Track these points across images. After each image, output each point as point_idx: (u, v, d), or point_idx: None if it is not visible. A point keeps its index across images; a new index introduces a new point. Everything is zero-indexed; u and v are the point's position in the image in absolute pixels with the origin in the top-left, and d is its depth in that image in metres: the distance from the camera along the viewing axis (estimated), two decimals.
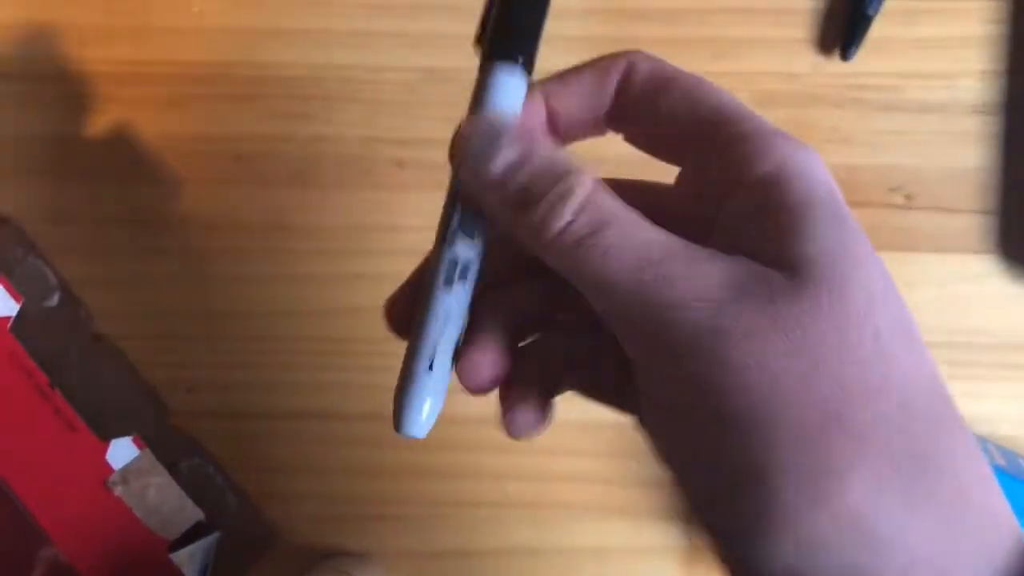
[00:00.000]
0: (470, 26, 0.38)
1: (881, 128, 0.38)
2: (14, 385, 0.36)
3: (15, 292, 0.36)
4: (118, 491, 0.36)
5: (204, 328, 0.38)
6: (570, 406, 0.38)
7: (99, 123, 0.38)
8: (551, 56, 0.37)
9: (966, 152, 0.38)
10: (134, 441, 0.37)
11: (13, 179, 0.38)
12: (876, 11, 0.37)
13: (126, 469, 0.36)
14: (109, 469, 0.36)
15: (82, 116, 0.38)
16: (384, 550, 0.39)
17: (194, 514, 0.37)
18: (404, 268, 0.39)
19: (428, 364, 0.24)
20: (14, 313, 0.36)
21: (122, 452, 0.36)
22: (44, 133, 0.38)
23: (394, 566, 0.39)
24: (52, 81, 0.38)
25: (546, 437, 0.39)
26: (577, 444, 0.39)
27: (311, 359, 0.39)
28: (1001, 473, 0.32)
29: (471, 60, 0.39)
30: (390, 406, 0.40)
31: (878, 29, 0.37)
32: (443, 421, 0.39)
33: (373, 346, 0.39)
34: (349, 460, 0.39)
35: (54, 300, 0.37)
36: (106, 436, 0.36)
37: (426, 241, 0.38)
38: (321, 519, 0.39)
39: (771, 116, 0.39)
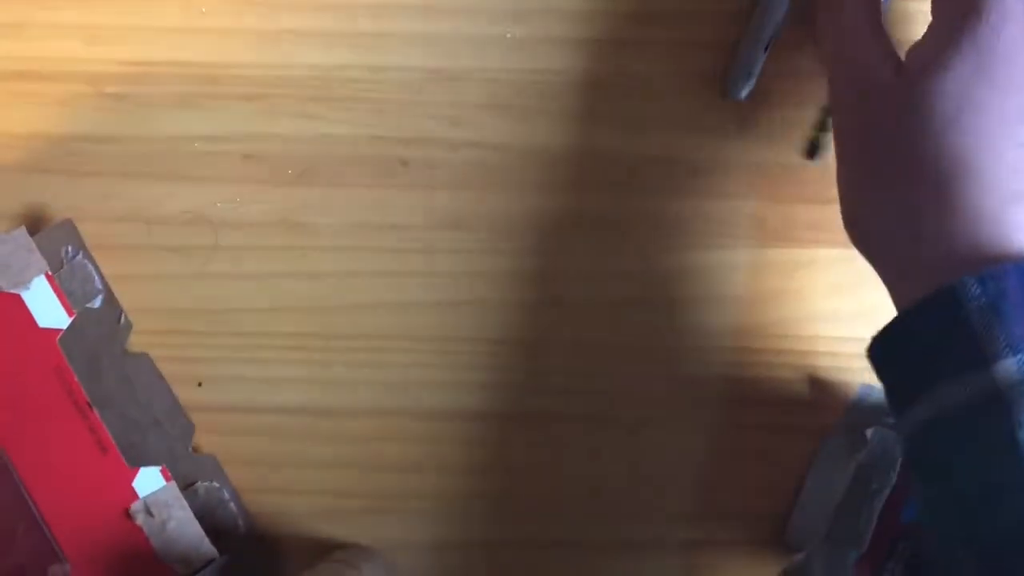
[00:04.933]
0: (474, 27, 0.39)
1: None
2: (55, 401, 0.36)
3: (68, 304, 0.36)
4: (139, 520, 0.36)
5: (213, 324, 0.39)
6: (565, 403, 0.39)
7: (107, 123, 0.38)
8: (550, 56, 0.38)
9: None
10: (162, 471, 0.36)
11: (25, 177, 0.38)
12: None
13: (150, 499, 0.36)
14: (134, 496, 0.36)
15: (89, 116, 0.38)
16: (386, 543, 0.39)
17: (209, 552, 0.37)
18: (408, 266, 0.40)
19: (764, 47, 0.36)
20: (64, 326, 0.36)
21: (149, 480, 0.36)
22: (53, 132, 0.38)
23: (396, 558, 0.39)
24: (56, 81, 0.38)
25: (542, 433, 0.39)
26: (573, 440, 0.39)
27: (316, 355, 0.39)
28: None
29: (475, 60, 0.39)
30: (393, 402, 0.40)
31: None
32: (443, 416, 0.39)
33: (376, 343, 0.39)
34: (352, 455, 0.39)
35: (96, 302, 0.37)
36: (134, 458, 0.36)
37: (429, 239, 0.39)
38: (325, 513, 0.39)
39: (769, 115, 0.39)
